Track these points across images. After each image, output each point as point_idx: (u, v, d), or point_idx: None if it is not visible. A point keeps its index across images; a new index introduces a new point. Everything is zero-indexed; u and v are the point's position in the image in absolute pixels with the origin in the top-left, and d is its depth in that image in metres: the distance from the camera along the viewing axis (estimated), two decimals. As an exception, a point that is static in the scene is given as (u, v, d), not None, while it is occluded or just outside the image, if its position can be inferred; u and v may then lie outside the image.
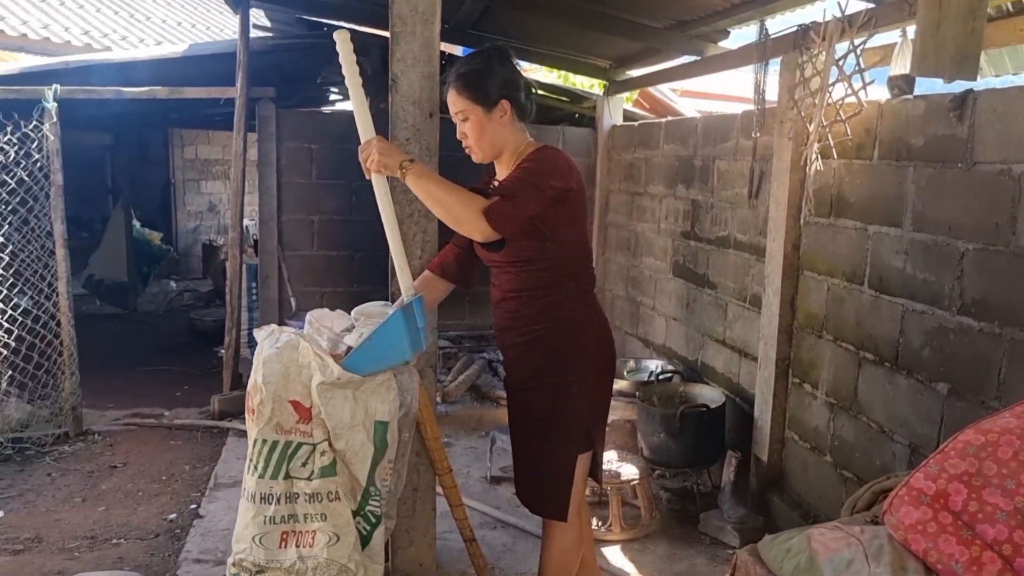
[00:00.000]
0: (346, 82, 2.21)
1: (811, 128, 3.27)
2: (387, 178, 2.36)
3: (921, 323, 2.83)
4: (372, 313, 2.49)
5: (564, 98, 6.58)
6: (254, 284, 6.03)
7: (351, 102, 2.22)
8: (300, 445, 2.25)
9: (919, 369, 2.84)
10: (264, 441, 2.24)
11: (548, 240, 2.30)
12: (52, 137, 4.42)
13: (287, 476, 2.23)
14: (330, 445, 2.26)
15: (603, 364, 2.46)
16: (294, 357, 2.26)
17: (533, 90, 2.44)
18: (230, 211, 5.34)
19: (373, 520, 2.35)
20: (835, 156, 3.24)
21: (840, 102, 3.17)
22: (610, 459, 3.83)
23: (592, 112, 6.34)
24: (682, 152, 4.87)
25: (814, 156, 3.27)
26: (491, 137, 2.33)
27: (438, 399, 4.91)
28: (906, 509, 1.49)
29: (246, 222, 7.61)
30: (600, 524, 3.60)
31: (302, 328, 2.46)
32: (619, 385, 4.07)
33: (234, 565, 2.19)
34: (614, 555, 3.40)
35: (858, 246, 3.18)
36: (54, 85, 4.43)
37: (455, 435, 4.81)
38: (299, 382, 2.26)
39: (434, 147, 2.70)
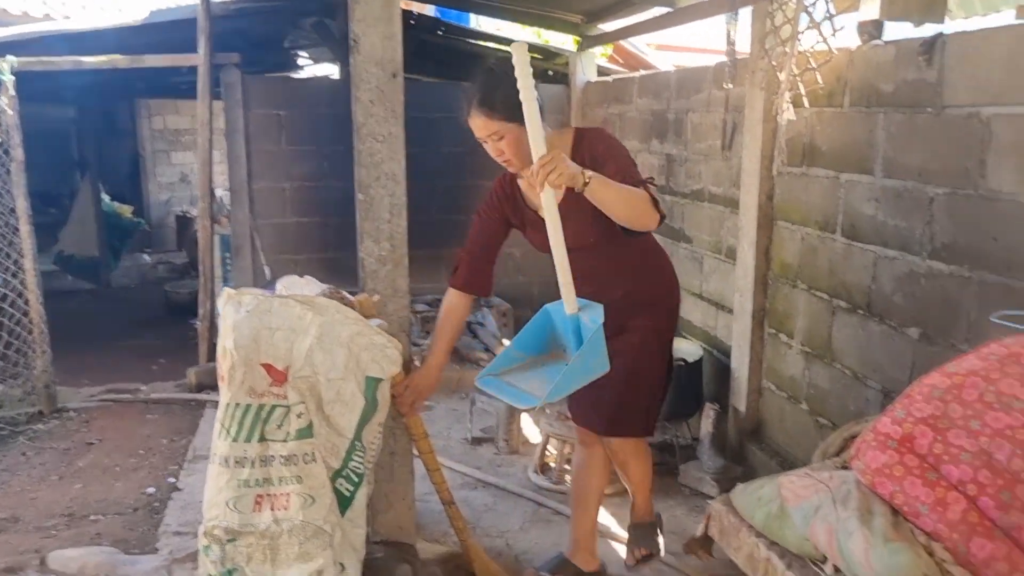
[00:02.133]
0: (520, 96, 2.08)
1: (782, 77, 3.23)
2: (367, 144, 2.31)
3: (892, 269, 2.83)
4: (294, 284, 2.54)
5: (537, 55, 6.49)
6: (228, 254, 5.96)
7: (525, 116, 2.11)
8: (274, 408, 2.23)
9: (891, 315, 2.85)
10: (237, 405, 2.21)
11: None
12: (10, 112, 4.30)
13: (262, 439, 2.21)
14: (307, 407, 2.25)
15: (676, 303, 2.78)
16: (266, 320, 2.23)
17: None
18: (198, 181, 5.25)
19: (356, 479, 2.34)
20: (806, 105, 3.21)
21: (811, 50, 3.13)
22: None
23: (566, 69, 6.26)
24: (656, 106, 4.82)
25: (786, 105, 3.24)
26: (527, 148, 2.23)
27: (416, 363, 4.90)
28: (872, 453, 1.50)
29: (218, 192, 7.51)
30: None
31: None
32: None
33: (205, 535, 2.18)
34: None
35: (830, 194, 3.17)
36: (9, 57, 4.30)
37: (435, 398, 4.81)
38: (271, 344, 2.23)
39: (399, 109, 2.64)
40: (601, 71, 6.09)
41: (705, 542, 1.97)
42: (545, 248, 2.40)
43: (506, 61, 2.25)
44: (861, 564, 1.39)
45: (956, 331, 2.54)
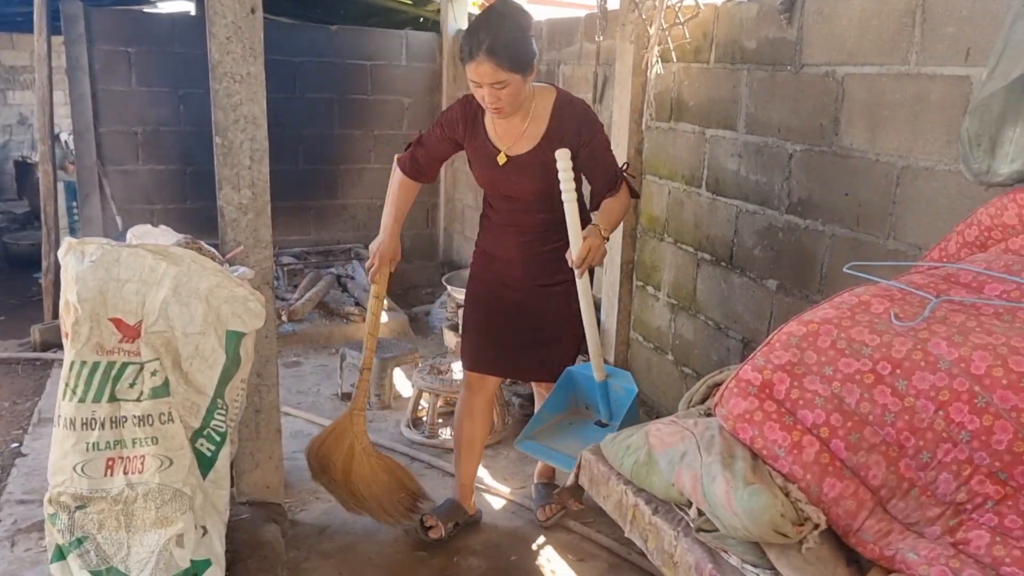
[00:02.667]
0: (563, 196, 2.39)
1: (651, 31, 3.26)
2: (224, 84, 2.16)
3: (753, 223, 2.94)
4: (147, 233, 2.44)
5: (407, 1, 6.30)
6: (75, 203, 5.53)
7: (567, 214, 2.41)
8: (126, 365, 2.09)
9: (751, 267, 2.96)
10: (83, 363, 2.05)
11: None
12: None
13: (112, 399, 2.07)
14: (162, 364, 2.11)
15: None
16: (114, 272, 2.07)
17: None
18: (37, 123, 4.82)
19: (217, 439, 2.23)
20: (675, 60, 3.25)
21: (679, 4, 3.16)
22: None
23: (436, 16, 6.11)
24: (527, 57, 4.77)
25: (655, 60, 3.28)
26: (522, 96, 2.45)
27: (283, 318, 4.75)
28: (735, 400, 1.54)
29: (64, 136, 6.94)
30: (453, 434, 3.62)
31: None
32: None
33: (51, 503, 2.03)
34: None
35: (696, 149, 3.24)
36: None
37: (304, 354, 4.68)
38: (120, 297, 2.08)
39: (258, 47, 2.49)
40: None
41: (576, 491, 2.00)
42: (484, 183, 2.69)
43: (507, 3, 2.38)
44: (723, 506, 1.44)
45: (811, 282, 2.67)
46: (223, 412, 2.24)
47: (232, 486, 2.64)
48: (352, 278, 5.42)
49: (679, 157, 3.36)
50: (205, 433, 2.21)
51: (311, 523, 2.94)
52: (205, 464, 2.22)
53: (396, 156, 2.80)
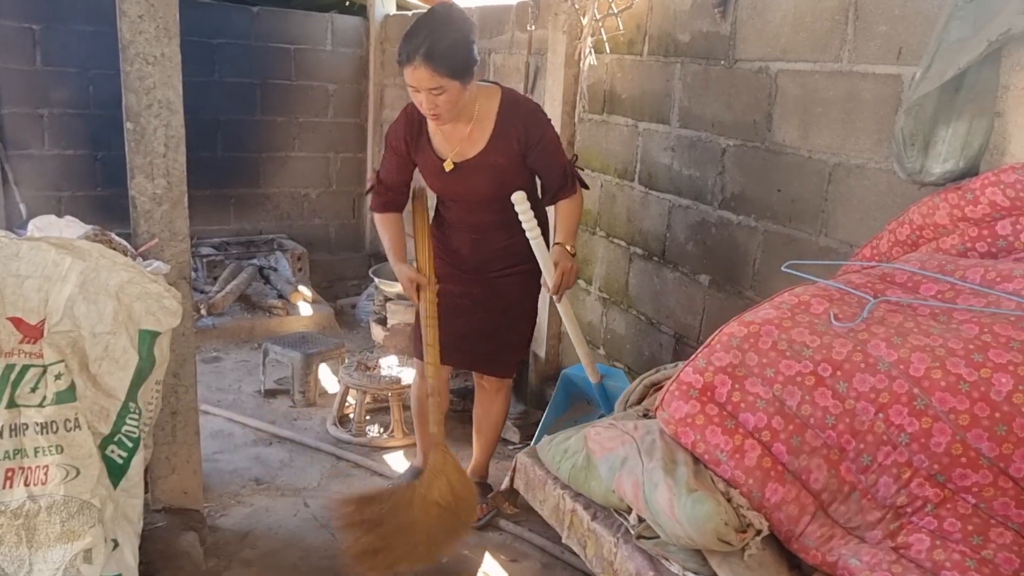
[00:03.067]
0: (528, 235, 2.48)
1: (584, 21, 3.21)
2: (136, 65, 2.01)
3: (686, 218, 2.92)
4: (50, 225, 2.30)
5: (332, -17, 6.11)
6: (-27, 189, 5.19)
7: (535, 250, 2.52)
8: (26, 368, 1.93)
9: (684, 262, 2.95)
10: (-22, 367, 1.90)
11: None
12: None
13: (12, 404, 1.91)
14: (67, 367, 1.97)
15: None
16: (12, 267, 1.92)
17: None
18: (-69, 102, 4.49)
19: (130, 445, 2.10)
20: (608, 51, 3.22)
21: (613, -5, 3.12)
22: (390, 364, 3.74)
23: (363, 0, 5.94)
24: (457, 45, 4.68)
25: (588, 51, 3.23)
26: (461, 102, 2.41)
27: (203, 311, 4.55)
28: (676, 404, 1.51)
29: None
30: (382, 431, 3.53)
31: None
32: (399, 288, 3.96)
33: (-60, 520, 1.87)
34: (397, 461, 3.35)
35: (629, 143, 3.21)
36: None
37: (224, 349, 4.50)
38: (19, 295, 1.92)
39: (173, 27, 2.33)
40: (401, 5, 5.84)
41: (511, 495, 1.95)
42: (435, 189, 2.68)
43: (450, 8, 2.32)
44: (666, 514, 1.40)
45: (743, 278, 2.67)
46: (136, 416, 2.10)
47: (147, 492, 2.50)
48: (275, 270, 5.24)
49: (612, 150, 3.33)
50: (116, 439, 2.07)
51: (232, 529, 2.80)
52: (116, 472, 2.08)
53: (369, 205, 2.87)
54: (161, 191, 2.41)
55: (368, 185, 2.80)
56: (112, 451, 2.07)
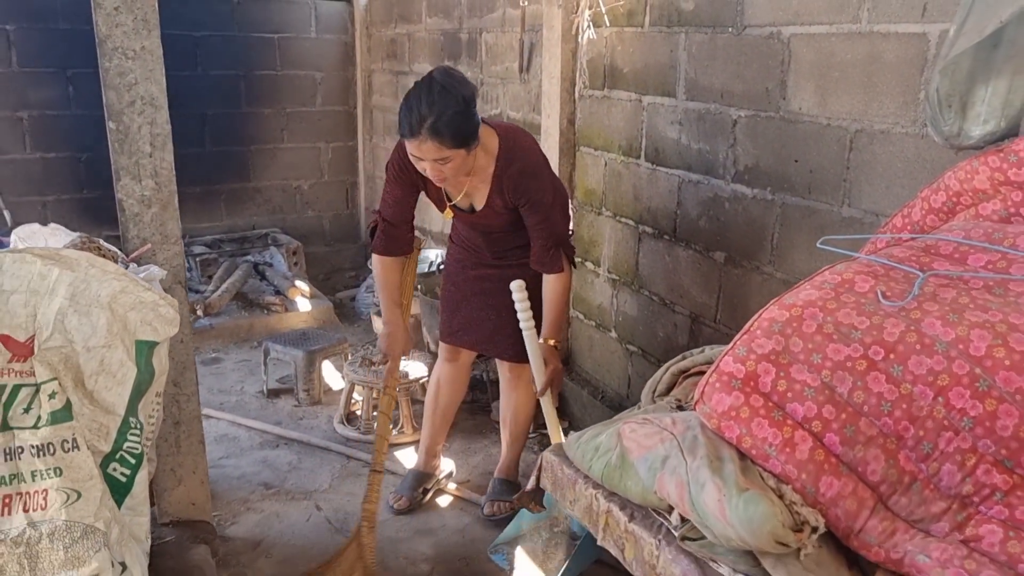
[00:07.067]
0: (521, 326, 2.48)
1: (581, -6, 3.09)
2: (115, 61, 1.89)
3: (697, 193, 2.82)
4: (34, 234, 2.18)
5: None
6: (-45, 198, 5.04)
7: (527, 345, 2.52)
8: (18, 388, 1.82)
9: (697, 239, 2.85)
10: (-36, 390, 1.79)
11: None
12: None
13: (5, 427, 1.80)
14: (61, 384, 1.86)
15: None
16: (-4, 282, 1.81)
17: None
18: (-94, 109, 4.34)
19: (132, 462, 1.99)
20: (607, 24, 3.09)
21: (609, -35, 3.00)
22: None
23: (346, -16, 5.78)
24: (447, 25, 4.55)
25: (586, 24, 3.11)
26: (467, 166, 2.38)
27: (199, 312, 4.44)
28: (719, 396, 1.41)
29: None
30: (392, 426, 3.43)
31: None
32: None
33: (-67, 556, 1.76)
34: (408, 457, 3.25)
35: (633, 118, 3.10)
36: None
37: (224, 349, 4.39)
38: (6, 311, 1.81)
39: (152, 18, 2.20)
40: (385, -13, 5.69)
41: (537, 494, 1.85)
42: (440, 208, 2.66)
43: (449, 74, 2.28)
44: (716, 516, 1.30)
45: (761, 253, 2.56)
46: (137, 432, 1.99)
47: (152, 506, 2.40)
48: (271, 265, 5.12)
49: (615, 127, 3.21)
50: (118, 457, 1.96)
51: (243, 538, 2.71)
52: (120, 491, 1.97)
53: (371, 249, 2.78)
54: (150, 192, 2.30)
55: (370, 225, 2.73)
56: (114, 469, 1.96)
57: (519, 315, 2.46)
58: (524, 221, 2.54)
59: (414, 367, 3.53)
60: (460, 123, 2.23)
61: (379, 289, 2.74)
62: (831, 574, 1.30)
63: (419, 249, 2.82)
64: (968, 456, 1.29)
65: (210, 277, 4.87)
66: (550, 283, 2.56)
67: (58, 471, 1.83)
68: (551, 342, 2.57)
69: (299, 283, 4.89)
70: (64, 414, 1.85)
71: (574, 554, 2.22)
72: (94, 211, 4.95)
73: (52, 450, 1.84)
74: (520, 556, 2.31)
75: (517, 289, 2.44)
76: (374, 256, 2.72)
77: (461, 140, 2.26)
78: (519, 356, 2.73)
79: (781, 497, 1.31)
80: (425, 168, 2.31)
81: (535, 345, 2.50)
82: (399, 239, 2.68)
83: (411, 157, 2.32)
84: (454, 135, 2.23)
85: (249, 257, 5.17)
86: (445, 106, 2.19)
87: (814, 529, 1.30)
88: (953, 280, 1.45)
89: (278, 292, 4.82)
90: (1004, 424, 1.27)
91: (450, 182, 2.44)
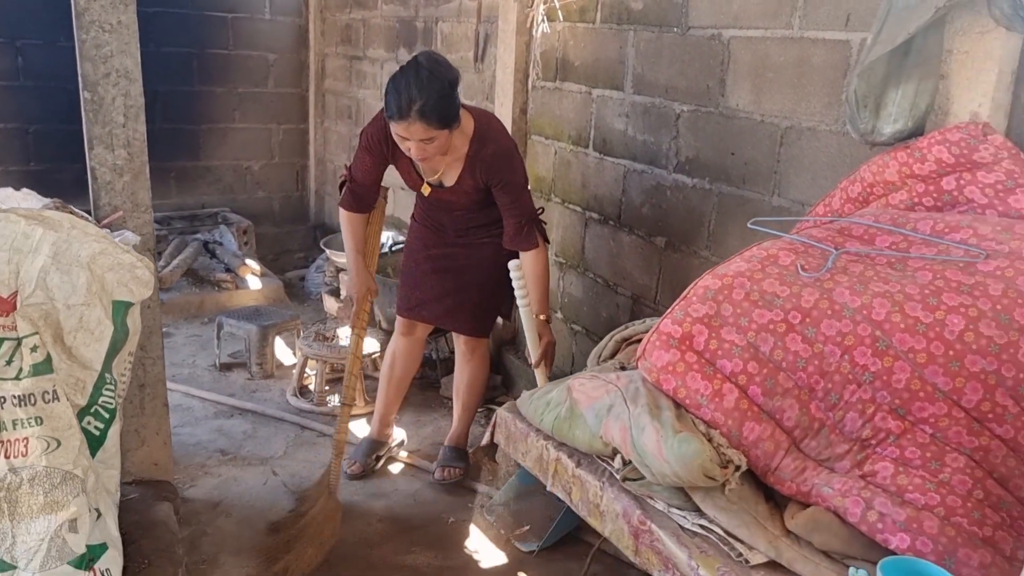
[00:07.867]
0: (518, 303, 2.62)
1: (537, -11, 3.25)
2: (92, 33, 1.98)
3: (641, 182, 3.02)
4: (9, 197, 2.29)
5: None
6: None
7: (524, 324, 2.65)
8: (1, 341, 1.91)
9: (640, 225, 3.05)
10: (-53, 343, 1.87)
11: None
12: None
13: (-13, 379, 1.90)
14: (42, 339, 1.95)
15: None
16: (-24, 241, 1.89)
17: None
18: None
19: (106, 416, 2.09)
20: (560, 19, 3.27)
21: (564, -37, 3.17)
22: (348, 334, 3.76)
23: (301, -32, 5.84)
24: (403, 13, 4.67)
25: (540, 18, 3.28)
26: (448, 144, 2.53)
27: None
28: (658, 353, 1.60)
29: None
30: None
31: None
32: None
33: (-76, 494, 1.85)
34: (360, 428, 3.38)
35: (583, 109, 3.28)
36: None
37: (175, 324, 4.45)
38: (-13, 268, 1.90)
39: (129, -7, 2.30)
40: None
41: (490, 449, 2.02)
42: (410, 185, 2.82)
43: (434, 59, 2.44)
44: (654, 455, 1.49)
45: (698, 239, 2.78)
46: (112, 387, 2.10)
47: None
48: (220, 244, 5.17)
49: (566, 117, 3.39)
50: (93, 411, 2.06)
51: (203, 499, 2.82)
52: (94, 443, 2.07)
53: (338, 202, 2.88)
54: (122, 162, 2.39)
55: (340, 178, 2.85)
56: (89, 422, 2.06)
57: (516, 292, 2.59)
58: (496, 201, 2.69)
59: (367, 343, 3.66)
60: (446, 106, 2.40)
61: (345, 240, 2.88)
62: (751, 505, 1.51)
63: (385, 199, 2.92)
64: (868, 405, 1.50)
65: (160, 253, 4.90)
66: (529, 261, 2.69)
67: (39, 420, 1.92)
68: (541, 317, 2.70)
69: (249, 262, 4.96)
70: (45, 367, 1.94)
71: (561, 516, 2.42)
72: (41, 184, 4.80)
73: (33, 400, 1.93)
74: (509, 517, 2.51)
75: (514, 268, 2.58)
76: (341, 210, 2.85)
77: (446, 122, 2.42)
78: (476, 331, 2.93)
79: (710, 440, 1.51)
80: (410, 148, 2.46)
81: (531, 321, 2.64)
82: (365, 198, 2.82)
83: (396, 137, 2.46)
84: (440, 117, 2.39)
85: (199, 235, 5.21)
86: (432, 90, 2.35)
87: (737, 467, 1.50)
88: (862, 257, 1.67)
89: (228, 270, 4.89)
90: (899, 378, 1.49)
91: (429, 160, 2.57)
